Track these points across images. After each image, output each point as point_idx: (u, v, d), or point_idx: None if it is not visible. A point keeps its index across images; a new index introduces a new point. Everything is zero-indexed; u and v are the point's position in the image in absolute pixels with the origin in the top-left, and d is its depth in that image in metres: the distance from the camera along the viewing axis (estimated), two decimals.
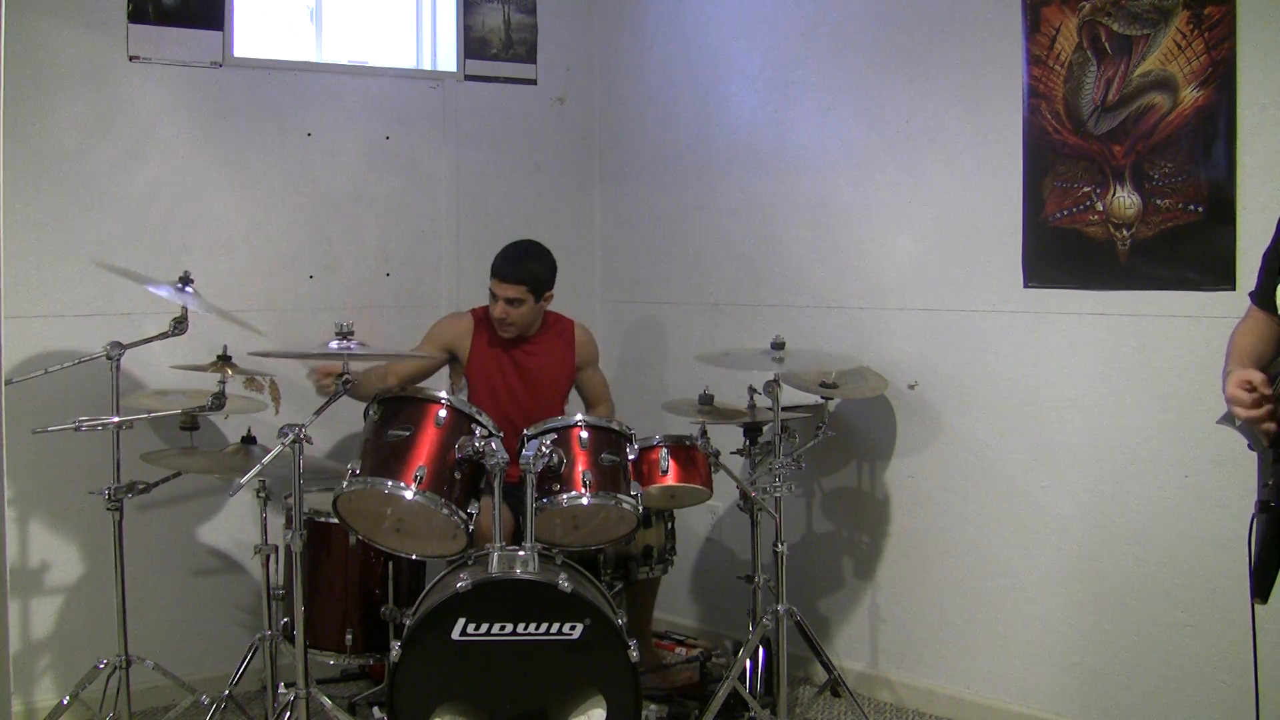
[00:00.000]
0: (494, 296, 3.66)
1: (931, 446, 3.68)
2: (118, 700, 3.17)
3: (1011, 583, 3.50)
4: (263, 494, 3.29)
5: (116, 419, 3.04)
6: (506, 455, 3.00)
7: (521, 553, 2.91)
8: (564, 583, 2.84)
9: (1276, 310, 2.27)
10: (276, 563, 3.32)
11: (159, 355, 3.56)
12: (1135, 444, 3.23)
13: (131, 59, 3.68)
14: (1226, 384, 2.19)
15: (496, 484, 2.97)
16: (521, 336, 3.74)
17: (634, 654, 2.88)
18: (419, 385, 3.67)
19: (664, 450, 3.41)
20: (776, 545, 3.36)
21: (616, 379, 4.40)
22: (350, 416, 3.64)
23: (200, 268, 3.27)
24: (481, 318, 3.78)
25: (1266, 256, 2.34)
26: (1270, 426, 2.13)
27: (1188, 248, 3.09)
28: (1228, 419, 2.29)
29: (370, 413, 3.17)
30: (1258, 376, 2.13)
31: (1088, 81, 3.24)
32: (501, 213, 4.35)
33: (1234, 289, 2.99)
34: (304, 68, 4.07)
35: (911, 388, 3.71)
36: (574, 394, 3.97)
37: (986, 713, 3.56)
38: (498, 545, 2.93)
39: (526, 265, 3.65)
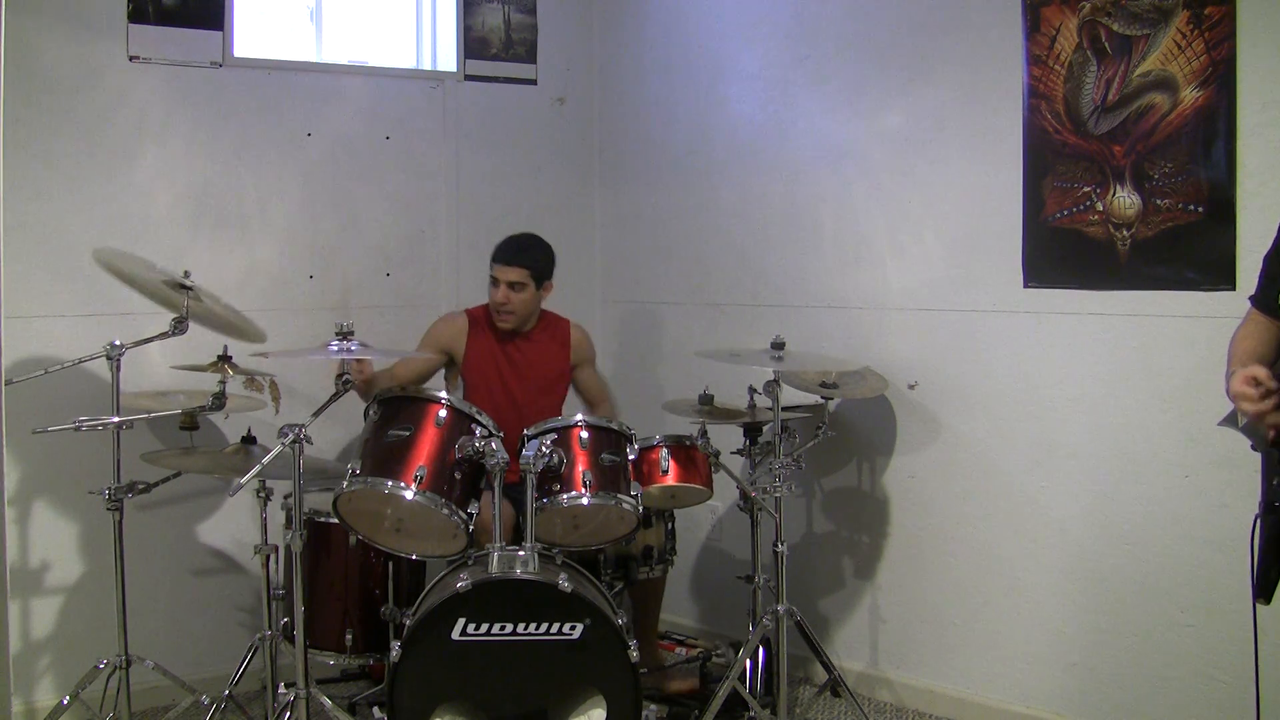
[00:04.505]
0: (495, 282, 3.66)
1: (931, 446, 3.68)
2: (118, 700, 3.16)
3: (1011, 583, 3.50)
4: (263, 494, 3.29)
5: (116, 419, 3.04)
6: (506, 455, 3.00)
7: (521, 553, 2.91)
8: (564, 583, 2.84)
9: (1278, 314, 2.27)
10: (276, 563, 3.31)
11: (159, 355, 3.56)
12: (1135, 444, 3.23)
13: (131, 59, 3.68)
14: (1230, 383, 2.18)
15: (497, 484, 2.97)
16: (516, 332, 3.74)
17: (634, 654, 2.88)
18: (419, 385, 3.68)
19: (664, 450, 3.41)
20: (776, 545, 3.36)
21: (615, 379, 4.40)
22: (350, 416, 3.64)
23: (200, 267, 3.26)
24: (477, 317, 3.79)
25: (1267, 260, 2.34)
26: (1278, 418, 2.12)
27: (1188, 248, 3.09)
28: (1230, 420, 2.28)
29: (370, 413, 3.17)
30: (1262, 371, 2.11)
31: (1088, 81, 3.24)
32: (501, 213, 4.35)
33: (1234, 289, 2.99)
34: (304, 68, 4.07)
35: (911, 388, 3.71)
36: (573, 395, 3.97)
37: (986, 713, 3.56)
38: (498, 545, 2.93)
39: (529, 251, 3.69)
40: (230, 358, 3.25)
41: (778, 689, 3.33)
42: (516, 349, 3.76)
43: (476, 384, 3.73)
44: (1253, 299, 2.36)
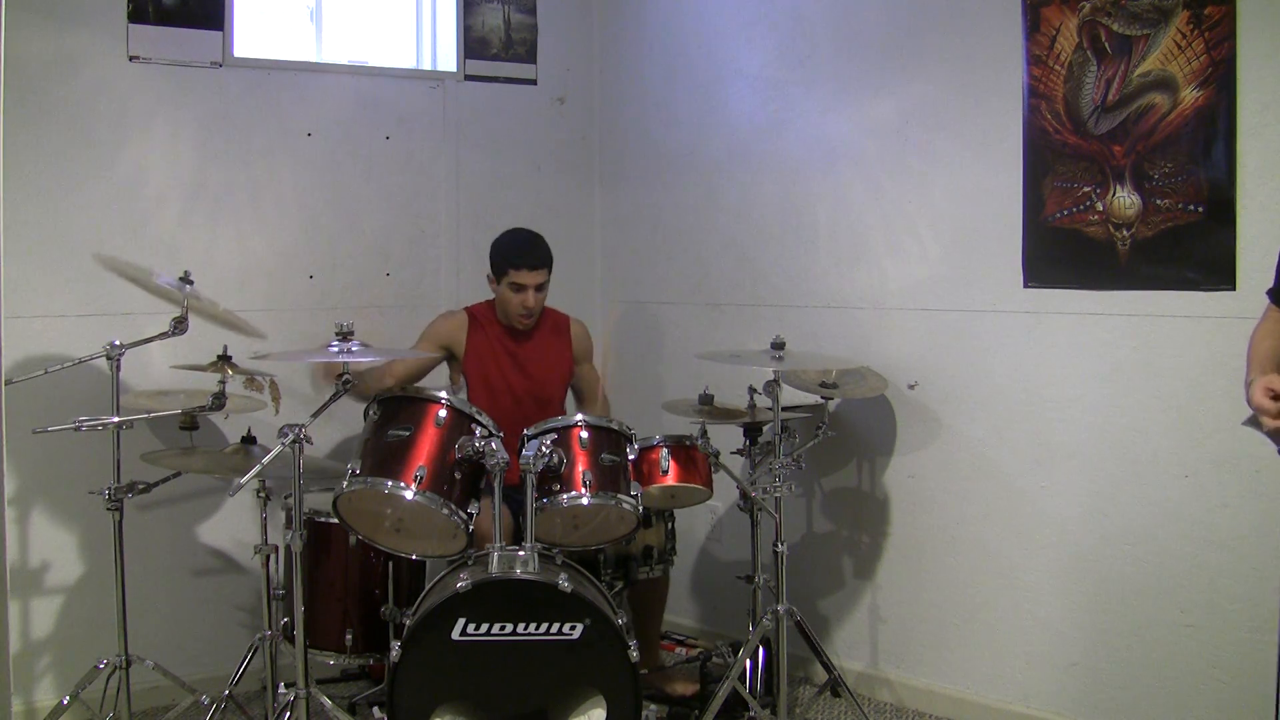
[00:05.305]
0: (518, 288, 3.66)
1: (931, 446, 3.67)
2: (118, 700, 3.16)
3: (1011, 583, 3.50)
4: (263, 494, 3.29)
5: (116, 419, 3.04)
6: (506, 455, 3.00)
7: (521, 553, 2.91)
8: (564, 583, 2.84)
9: None
10: (276, 563, 3.31)
11: (159, 355, 3.56)
12: (1135, 444, 3.23)
13: (131, 59, 3.68)
14: (1251, 392, 2.13)
15: (496, 484, 2.97)
16: (519, 330, 3.75)
17: (634, 654, 2.88)
18: (419, 385, 3.67)
19: (664, 450, 3.41)
20: (776, 545, 3.35)
21: (615, 378, 4.40)
22: (350, 416, 3.64)
23: (200, 268, 3.26)
24: (477, 314, 3.79)
25: None
26: None
27: (1188, 248, 3.09)
28: (1253, 422, 2.24)
29: (370, 413, 3.17)
30: None
31: (1088, 81, 3.24)
32: (501, 212, 4.34)
33: (1234, 289, 2.99)
34: (304, 68, 4.07)
35: (911, 388, 3.71)
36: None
37: (986, 713, 3.56)
38: (498, 545, 2.93)
39: (543, 248, 3.73)
40: (230, 358, 3.25)
41: (778, 689, 3.34)
42: (520, 347, 3.77)
43: (479, 381, 3.73)
44: (1270, 293, 2.32)
